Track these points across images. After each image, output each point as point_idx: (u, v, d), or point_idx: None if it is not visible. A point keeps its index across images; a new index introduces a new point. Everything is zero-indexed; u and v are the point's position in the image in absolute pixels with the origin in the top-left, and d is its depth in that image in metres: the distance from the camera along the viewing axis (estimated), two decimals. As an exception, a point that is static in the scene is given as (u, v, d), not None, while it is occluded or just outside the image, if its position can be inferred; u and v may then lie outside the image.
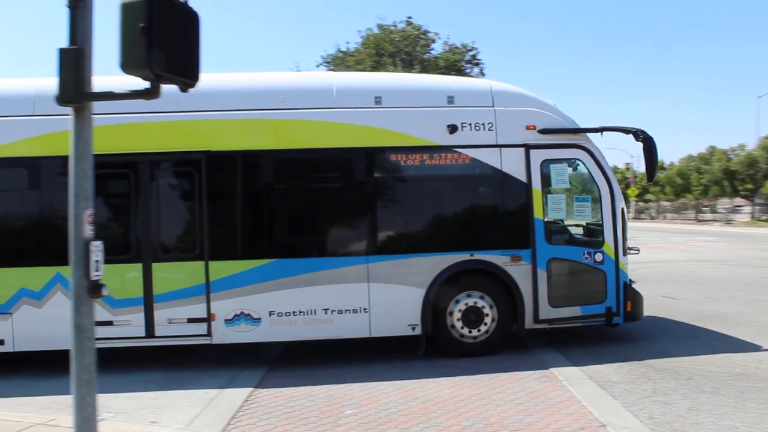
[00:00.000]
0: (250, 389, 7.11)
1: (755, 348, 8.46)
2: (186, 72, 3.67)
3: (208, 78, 8.31)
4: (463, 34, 61.94)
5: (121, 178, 8.29)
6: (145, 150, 8.17)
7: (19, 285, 7.94)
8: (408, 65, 29.17)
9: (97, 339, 7.36)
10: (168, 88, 4.69)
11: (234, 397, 6.84)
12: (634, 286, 8.79)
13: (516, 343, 8.92)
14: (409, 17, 32.38)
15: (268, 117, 8.31)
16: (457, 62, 30.53)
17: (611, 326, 8.80)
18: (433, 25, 34.82)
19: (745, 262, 20.26)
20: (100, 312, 7.57)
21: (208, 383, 7.42)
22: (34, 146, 8.08)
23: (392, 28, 31.94)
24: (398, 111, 8.50)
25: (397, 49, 30.52)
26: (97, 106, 4.00)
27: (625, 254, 8.72)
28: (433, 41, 32.08)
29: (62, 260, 7.41)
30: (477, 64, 31.99)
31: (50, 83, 8.37)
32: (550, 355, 8.33)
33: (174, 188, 8.60)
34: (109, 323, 7.87)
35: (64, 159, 7.59)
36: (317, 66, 32.59)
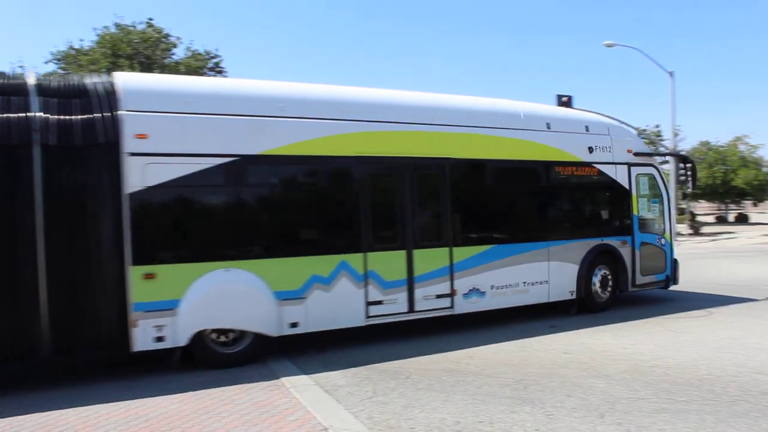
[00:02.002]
0: (-58, 423, 6.25)
1: (470, 344, 9.35)
2: None
3: (446, 98, 10.80)
4: (210, 42, 60.51)
5: (389, 178, 9.84)
6: (403, 154, 9.81)
7: (311, 272, 8.88)
8: (147, 68, 27.84)
9: (371, 317, 9.40)
10: (418, 105, 8.27)
11: None
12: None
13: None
14: (150, 19, 30.77)
15: (482, 133, 10.57)
16: (200, 69, 29.74)
17: (666, 289, 13.15)
18: (181, 30, 33.50)
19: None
20: (373, 292, 9.36)
21: None
22: (328, 146, 9.17)
23: (131, 28, 30.26)
24: (562, 134, 11.59)
25: (136, 51, 28.99)
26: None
27: (674, 239, 13.03)
28: (175, 46, 30.90)
29: (346, 250, 9.17)
30: (220, 72, 31.43)
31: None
32: (281, 364, 8.44)
33: (426, 188, 10.21)
34: (379, 302, 9.38)
35: (353, 160, 9.33)
36: (45, 63, 29.79)
